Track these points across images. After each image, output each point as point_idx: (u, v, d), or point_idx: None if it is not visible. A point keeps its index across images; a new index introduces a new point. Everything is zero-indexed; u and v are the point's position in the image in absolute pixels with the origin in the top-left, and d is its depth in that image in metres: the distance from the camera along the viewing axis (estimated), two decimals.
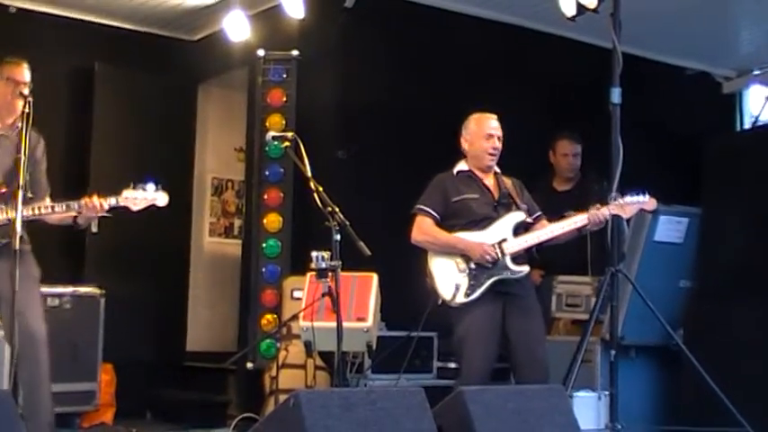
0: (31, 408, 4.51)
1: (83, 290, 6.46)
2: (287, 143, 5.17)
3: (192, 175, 7.99)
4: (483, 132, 5.18)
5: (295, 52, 6.82)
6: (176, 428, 6.50)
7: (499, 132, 5.18)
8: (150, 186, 4.67)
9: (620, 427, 5.09)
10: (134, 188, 4.64)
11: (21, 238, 4.51)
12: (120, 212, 4.69)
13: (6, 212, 4.52)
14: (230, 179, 8.63)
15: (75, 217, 4.68)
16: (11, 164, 4.61)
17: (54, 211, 4.62)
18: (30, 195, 4.54)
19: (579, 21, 5.67)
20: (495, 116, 5.22)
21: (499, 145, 5.18)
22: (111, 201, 4.61)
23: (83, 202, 4.58)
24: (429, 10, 7.12)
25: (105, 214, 4.69)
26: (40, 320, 4.59)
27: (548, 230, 5.09)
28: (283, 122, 6.71)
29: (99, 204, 4.57)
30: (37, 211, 4.57)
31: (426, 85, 7.00)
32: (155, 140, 7.57)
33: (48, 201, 4.74)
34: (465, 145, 5.24)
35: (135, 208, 4.66)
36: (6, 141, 4.68)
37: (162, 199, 4.72)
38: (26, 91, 4.57)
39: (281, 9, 6.69)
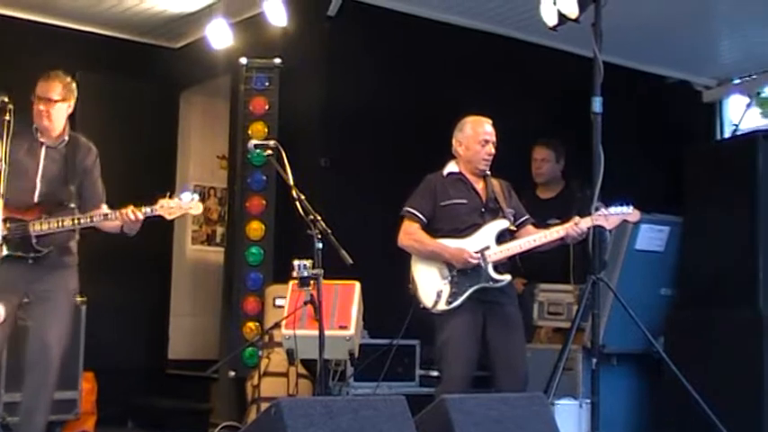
0: (29, 413, 4.65)
1: None
2: (269, 151, 5.16)
3: (174, 183, 7.97)
4: (479, 138, 5.17)
5: (278, 60, 6.82)
6: None
7: (494, 138, 5.18)
8: (185, 195, 4.76)
9: None
10: (170, 197, 4.70)
11: (67, 249, 4.78)
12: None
13: (43, 224, 4.61)
14: (213, 187, 8.62)
15: (122, 226, 4.74)
16: (57, 175, 4.74)
17: (93, 221, 4.69)
18: (71, 206, 4.71)
19: (561, 30, 5.70)
20: (490, 121, 5.23)
21: (493, 151, 5.19)
22: (147, 210, 4.68)
23: (118, 213, 4.66)
24: (411, 19, 7.14)
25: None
26: (59, 333, 4.67)
27: (530, 240, 5.10)
28: (266, 130, 6.70)
29: (134, 215, 4.61)
30: (76, 222, 4.67)
31: (409, 93, 7.02)
32: (137, 148, 7.55)
33: (103, 209, 4.80)
34: (459, 149, 5.23)
35: (170, 217, 4.75)
36: (54, 153, 4.79)
37: (196, 208, 4.77)
38: (41, 107, 4.74)
39: (263, 17, 6.69)
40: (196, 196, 4.81)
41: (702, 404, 4.94)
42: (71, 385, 6.32)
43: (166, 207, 4.69)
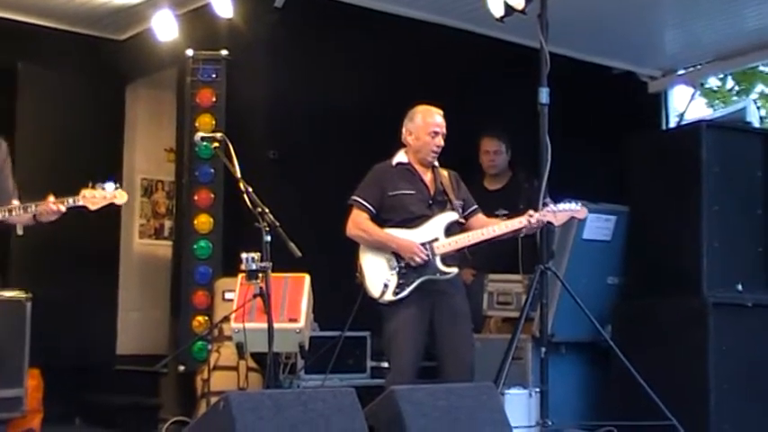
0: None
1: (8, 294, 6.27)
2: (216, 144, 5.13)
3: (120, 176, 7.86)
4: (428, 129, 5.14)
5: (224, 52, 6.77)
6: None
7: (444, 129, 5.16)
8: (109, 185, 4.67)
9: (550, 423, 5.16)
10: (93, 188, 4.60)
11: None
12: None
13: None
14: (160, 180, 8.53)
15: (36, 215, 4.64)
16: None
17: (11, 215, 4.57)
18: None
19: (508, 22, 5.72)
20: (440, 111, 5.19)
21: (443, 142, 5.17)
22: (69, 201, 4.58)
23: (40, 204, 4.56)
24: (358, 10, 7.11)
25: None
26: None
27: (479, 233, 5.11)
28: (213, 122, 6.65)
29: (56, 207, 4.52)
30: None
31: (357, 84, 6.99)
32: (82, 142, 7.44)
33: (14, 203, 4.68)
34: (408, 138, 5.20)
35: (93, 207, 4.64)
36: None
37: (121, 197, 4.70)
38: None
39: (209, 8, 6.64)
40: (117, 185, 4.71)
41: (649, 391, 5.01)
42: (16, 383, 6.20)
43: (89, 197, 4.60)
